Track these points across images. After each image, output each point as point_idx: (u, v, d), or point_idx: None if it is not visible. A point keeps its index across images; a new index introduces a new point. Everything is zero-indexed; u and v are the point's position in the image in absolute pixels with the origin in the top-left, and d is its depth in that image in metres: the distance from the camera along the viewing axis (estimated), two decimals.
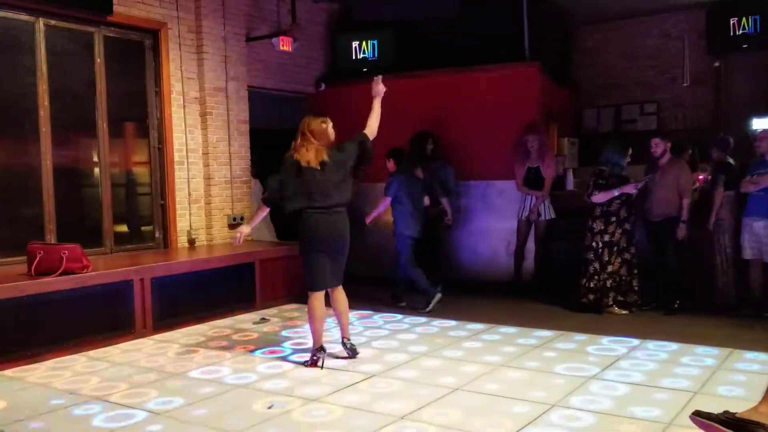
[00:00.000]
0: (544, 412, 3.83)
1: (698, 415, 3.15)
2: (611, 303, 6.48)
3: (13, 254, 6.06)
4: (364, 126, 5.28)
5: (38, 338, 5.19)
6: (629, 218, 6.52)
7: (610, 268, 6.46)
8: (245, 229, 5.06)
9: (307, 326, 5.34)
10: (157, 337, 5.92)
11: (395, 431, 3.62)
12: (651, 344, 5.30)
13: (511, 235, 7.93)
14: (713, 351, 5.06)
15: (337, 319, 5.16)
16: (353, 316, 6.62)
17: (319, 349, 4.94)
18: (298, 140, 4.98)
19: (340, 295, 5.04)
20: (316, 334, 4.95)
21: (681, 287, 6.50)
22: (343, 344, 5.10)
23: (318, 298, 4.92)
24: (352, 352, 5.06)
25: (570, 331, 5.77)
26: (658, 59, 9.39)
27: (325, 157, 4.89)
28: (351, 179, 5.08)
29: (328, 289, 5.00)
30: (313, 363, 4.89)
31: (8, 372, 4.89)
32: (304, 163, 4.84)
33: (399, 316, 6.55)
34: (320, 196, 4.84)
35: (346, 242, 5.02)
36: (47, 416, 3.98)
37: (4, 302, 4.96)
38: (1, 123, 6.12)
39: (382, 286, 7.61)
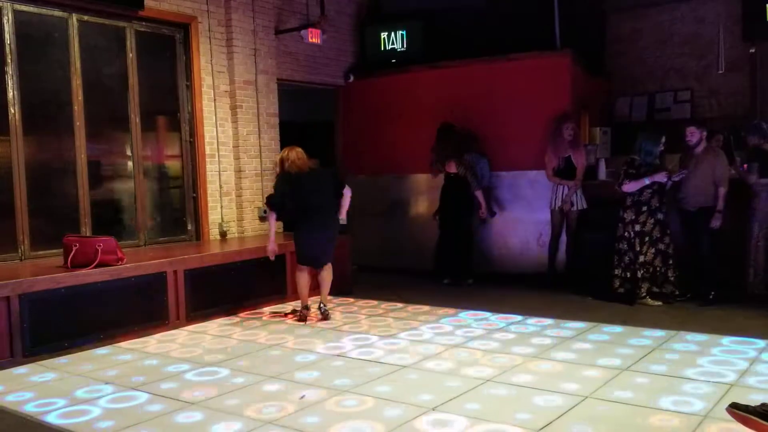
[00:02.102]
0: (576, 404, 3.80)
1: (735, 408, 3.11)
2: (644, 294, 6.39)
3: (49, 247, 6.19)
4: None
5: (74, 329, 5.30)
6: (661, 208, 6.42)
7: (642, 259, 6.38)
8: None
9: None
10: (191, 328, 6.00)
11: (426, 422, 3.62)
12: (685, 335, 5.22)
13: (543, 226, 7.87)
14: (750, 343, 4.96)
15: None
16: (384, 308, 6.65)
17: (304, 307, 6.18)
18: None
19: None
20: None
21: (716, 278, 6.39)
22: (319, 308, 6.19)
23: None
24: (324, 315, 6.15)
25: (603, 322, 5.72)
26: (692, 46, 9.19)
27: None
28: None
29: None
30: (300, 318, 6.15)
31: (45, 362, 5.00)
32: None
33: (427, 308, 6.54)
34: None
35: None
36: (84, 405, 4.06)
37: (42, 294, 5.07)
38: (37, 118, 6.23)
39: (418, 278, 7.63)
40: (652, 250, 6.40)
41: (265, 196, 6.26)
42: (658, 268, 6.44)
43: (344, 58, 9.42)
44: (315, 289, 6.35)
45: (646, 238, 6.38)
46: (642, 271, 6.39)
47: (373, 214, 9.38)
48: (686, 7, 9.16)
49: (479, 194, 7.73)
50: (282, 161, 6.07)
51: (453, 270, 7.90)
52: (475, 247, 8.23)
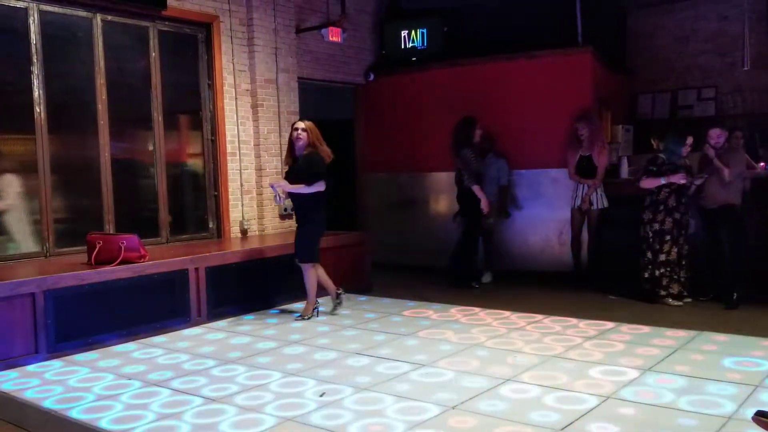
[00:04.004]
0: (598, 404, 3.78)
1: (762, 416, 3.06)
2: (665, 294, 6.34)
3: (73, 244, 6.27)
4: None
5: (98, 326, 5.36)
6: (679, 207, 6.36)
7: (662, 258, 6.33)
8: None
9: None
10: (212, 324, 6.04)
11: (444, 421, 3.62)
12: (709, 336, 5.16)
13: (564, 224, 7.83)
14: None
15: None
16: (404, 306, 6.65)
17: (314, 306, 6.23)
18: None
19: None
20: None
21: (738, 277, 6.31)
22: (338, 295, 6.39)
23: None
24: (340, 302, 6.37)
25: (625, 321, 5.67)
26: (716, 43, 9.09)
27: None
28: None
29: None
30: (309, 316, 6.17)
31: (69, 358, 5.07)
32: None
33: (446, 306, 6.52)
34: None
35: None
36: (106, 401, 4.11)
37: (66, 290, 5.14)
38: (62, 117, 6.31)
39: (429, 275, 7.58)
40: (675, 249, 6.35)
41: (312, 175, 5.93)
42: (676, 268, 6.39)
43: (364, 57, 9.43)
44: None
45: (667, 237, 6.33)
46: (663, 270, 6.34)
47: (392, 211, 9.39)
48: (710, 3, 9.06)
49: (476, 189, 7.36)
50: (316, 138, 5.99)
51: (465, 271, 7.77)
52: (491, 245, 8.13)
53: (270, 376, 4.51)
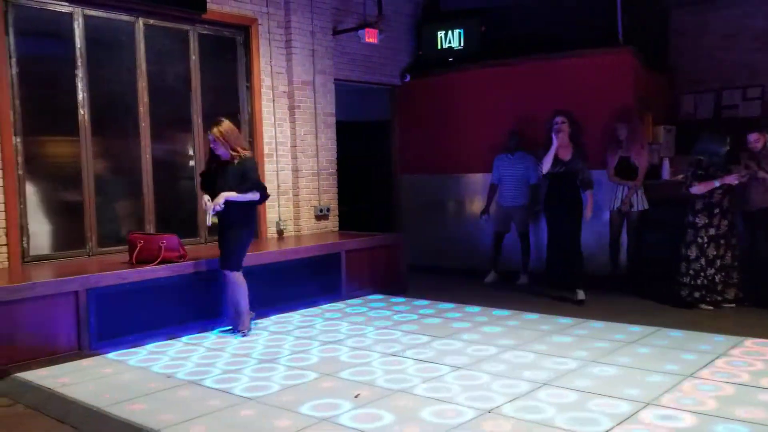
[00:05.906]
0: (637, 411, 3.71)
1: None
2: (719, 299, 6.22)
3: (115, 244, 6.40)
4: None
5: (138, 324, 5.45)
6: (732, 209, 6.23)
7: (719, 263, 6.19)
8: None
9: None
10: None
11: (481, 424, 3.59)
12: (751, 342, 5.03)
13: (603, 227, 7.70)
14: None
15: None
16: (438, 308, 6.63)
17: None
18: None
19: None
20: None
21: None
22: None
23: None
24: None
25: (666, 327, 5.56)
26: (763, 41, 8.85)
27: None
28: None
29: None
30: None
31: (110, 356, 5.17)
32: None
33: (480, 309, 6.48)
34: None
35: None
36: (146, 398, 4.18)
37: (108, 289, 5.24)
38: (105, 119, 6.44)
39: (471, 278, 7.53)
40: (729, 253, 6.21)
41: (254, 184, 5.49)
42: (730, 271, 6.26)
43: (401, 58, 9.43)
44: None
45: (722, 241, 6.19)
46: (719, 276, 6.20)
47: (428, 213, 9.36)
48: (756, 2, 8.83)
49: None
50: (235, 139, 5.50)
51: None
52: (528, 247, 8.08)
53: (305, 375, 4.53)
